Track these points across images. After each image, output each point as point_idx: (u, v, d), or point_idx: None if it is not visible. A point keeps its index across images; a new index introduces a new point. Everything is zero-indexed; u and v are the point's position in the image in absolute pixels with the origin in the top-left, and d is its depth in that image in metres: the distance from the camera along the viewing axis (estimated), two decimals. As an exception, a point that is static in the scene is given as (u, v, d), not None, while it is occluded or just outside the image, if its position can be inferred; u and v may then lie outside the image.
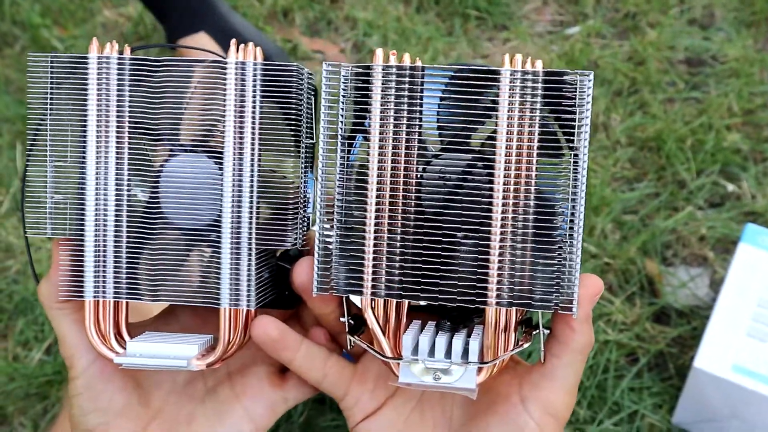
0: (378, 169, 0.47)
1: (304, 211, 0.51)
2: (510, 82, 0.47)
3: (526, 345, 0.49)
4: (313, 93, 0.51)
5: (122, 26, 1.79)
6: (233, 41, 0.48)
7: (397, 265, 0.48)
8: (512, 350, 0.48)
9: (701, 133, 1.39)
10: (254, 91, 0.47)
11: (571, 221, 0.49)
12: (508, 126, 0.47)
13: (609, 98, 1.48)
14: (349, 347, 0.52)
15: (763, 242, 1.07)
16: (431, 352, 0.48)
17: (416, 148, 0.47)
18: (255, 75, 0.47)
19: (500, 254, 0.47)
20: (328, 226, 0.48)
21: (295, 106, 0.48)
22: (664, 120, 1.41)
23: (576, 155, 0.47)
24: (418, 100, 0.47)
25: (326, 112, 0.48)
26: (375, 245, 0.48)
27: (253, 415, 0.55)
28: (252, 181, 0.48)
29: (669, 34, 1.58)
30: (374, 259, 0.48)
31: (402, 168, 0.48)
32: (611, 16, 1.64)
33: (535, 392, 0.50)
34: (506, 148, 0.46)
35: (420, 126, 0.47)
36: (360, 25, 1.64)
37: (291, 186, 0.50)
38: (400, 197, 0.48)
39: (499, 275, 0.47)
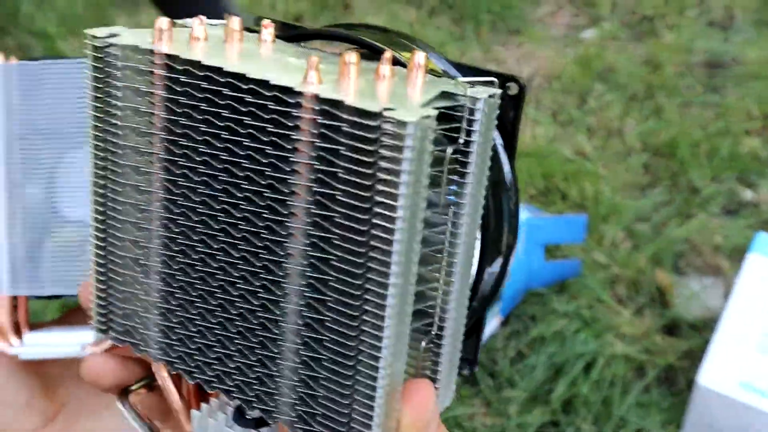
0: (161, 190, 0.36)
1: None
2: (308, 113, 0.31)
3: None
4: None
5: (137, 35, 1.80)
6: None
7: (179, 326, 0.38)
8: None
9: (718, 138, 1.34)
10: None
11: (369, 313, 0.31)
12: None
13: (624, 103, 1.44)
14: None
15: (775, 252, 1.03)
16: None
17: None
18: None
19: (284, 346, 0.34)
20: (101, 251, 0.39)
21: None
22: (679, 125, 1.37)
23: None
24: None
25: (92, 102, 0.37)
26: (152, 291, 0.38)
27: None
28: None
29: (687, 36, 1.53)
30: (146, 309, 0.38)
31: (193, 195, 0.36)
32: (627, 19, 1.60)
33: None
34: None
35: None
36: (371, 30, 1.62)
37: None
38: (193, 236, 0.36)
39: (283, 378, 0.34)
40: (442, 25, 1.61)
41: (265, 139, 0.33)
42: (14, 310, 0.52)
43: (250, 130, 0.33)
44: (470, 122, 0.32)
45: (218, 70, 0.33)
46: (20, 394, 0.53)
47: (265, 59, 0.36)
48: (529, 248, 1.15)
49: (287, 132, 0.32)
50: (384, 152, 0.29)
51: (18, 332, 0.53)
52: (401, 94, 0.32)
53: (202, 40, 0.35)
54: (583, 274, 1.19)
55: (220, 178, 0.35)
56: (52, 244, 0.51)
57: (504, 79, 0.38)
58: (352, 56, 0.31)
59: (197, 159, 0.35)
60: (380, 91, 0.32)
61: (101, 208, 0.39)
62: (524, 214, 1.13)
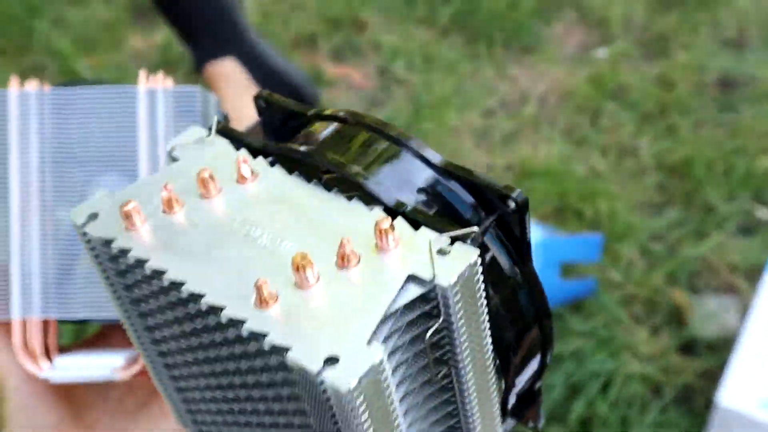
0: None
1: None
2: None
3: None
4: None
5: (151, 53, 1.80)
6: (142, 71, 0.51)
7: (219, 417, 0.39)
8: None
9: (732, 157, 1.34)
10: (164, 114, 0.51)
11: None
12: None
13: (637, 122, 1.44)
14: None
15: (793, 271, 1.03)
16: None
17: None
18: (164, 100, 0.51)
19: None
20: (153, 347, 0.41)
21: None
22: (693, 144, 1.37)
23: None
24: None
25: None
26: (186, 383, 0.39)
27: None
28: None
29: (700, 55, 1.54)
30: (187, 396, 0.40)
31: None
32: (640, 38, 1.61)
33: None
34: None
35: None
36: (384, 50, 1.63)
37: None
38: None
39: None
40: (455, 44, 1.62)
41: (225, 353, 0.31)
42: (45, 333, 0.52)
43: (213, 341, 0.32)
44: (446, 303, 0.29)
45: (180, 284, 0.31)
46: (49, 417, 0.53)
47: (232, 248, 0.32)
48: (544, 267, 1.14)
49: (244, 357, 0.30)
50: (335, 406, 0.27)
51: (48, 356, 0.52)
52: (362, 298, 0.28)
53: (177, 208, 0.33)
54: (598, 293, 1.18)
55: (205, 365, 0.35)
56: (82, 268, 0.51)
57: (503, 196, 0.33)
58: (307, 272, 0.28)
59: (179, 345, 0.36)
60: (337, 303, 0.28)
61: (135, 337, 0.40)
62: (540, 234, 1.12)
